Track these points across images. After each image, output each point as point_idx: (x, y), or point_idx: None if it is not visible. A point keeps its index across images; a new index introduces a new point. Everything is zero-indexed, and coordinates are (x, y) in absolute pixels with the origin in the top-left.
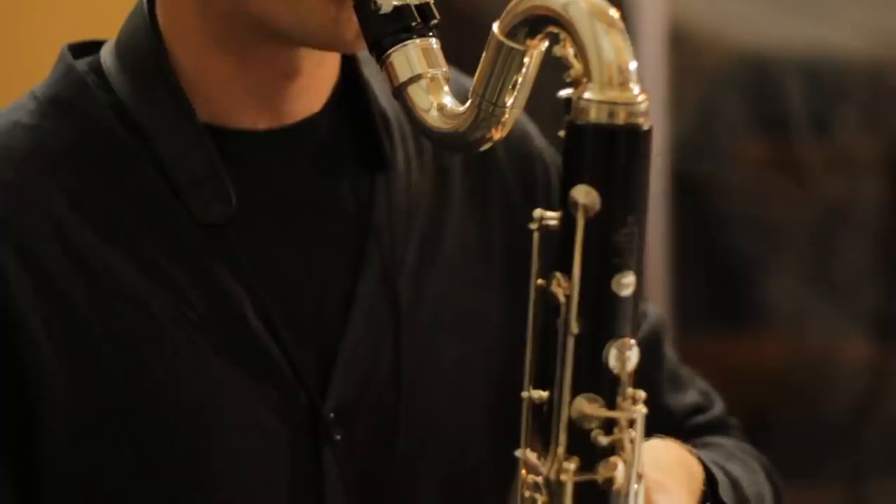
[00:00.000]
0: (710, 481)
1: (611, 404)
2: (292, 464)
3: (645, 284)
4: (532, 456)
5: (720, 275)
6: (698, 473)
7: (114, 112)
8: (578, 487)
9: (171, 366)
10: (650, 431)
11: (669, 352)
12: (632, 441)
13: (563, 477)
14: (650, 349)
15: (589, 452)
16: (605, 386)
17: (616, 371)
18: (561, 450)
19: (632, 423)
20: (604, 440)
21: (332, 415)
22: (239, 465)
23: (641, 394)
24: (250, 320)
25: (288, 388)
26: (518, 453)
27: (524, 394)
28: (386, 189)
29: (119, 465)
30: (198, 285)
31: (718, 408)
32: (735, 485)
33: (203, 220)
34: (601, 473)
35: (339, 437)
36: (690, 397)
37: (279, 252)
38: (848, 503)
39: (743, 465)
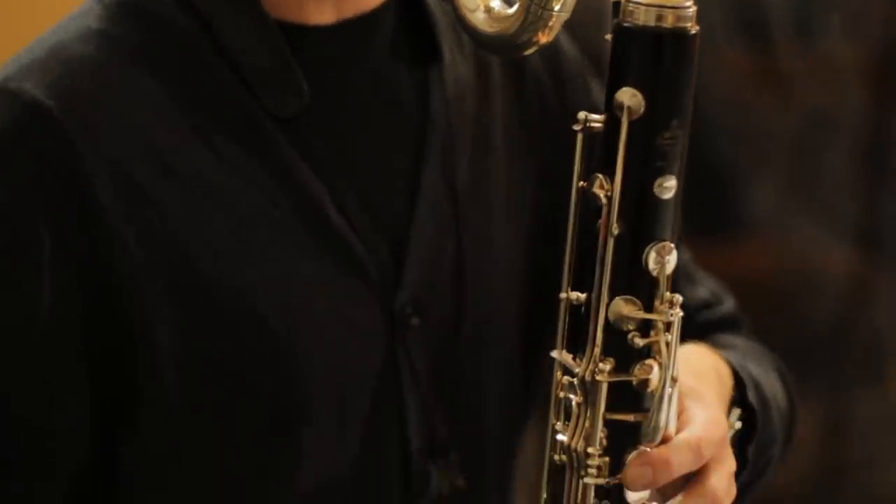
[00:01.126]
0: (738, 384)
1: (648, 307)
2: (376, 354)
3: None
4: (567, 357)
5: (702, 183)
6: (727, 378)
7: (181, 9)
8: (613, 388)
9: (261, 265)
10: None
11: (682, 247)
12: (668, 344)
13: (599, 377)
14: None
15: (625, 354)
16: (643, 288)
17: (655, 273)
18: (597, 350)
19: (668, 327)
20: (640, 342)
21: (408, 304)
22: (330, 359)
23: (679, 297)
24: (332, 215)
25: (370, 280)
26: (554, 354)
27: (562, 295)
28: (439, 81)
29: (216, 369)
30: (280, 182)
31: (729, 304)
32: (757, 386)
33: (278, 113)
34: (636, 375)
35: (415, 324)
36: (702, 292)
37: (350, 145)
38: (830, 412)
39: (759, 365)
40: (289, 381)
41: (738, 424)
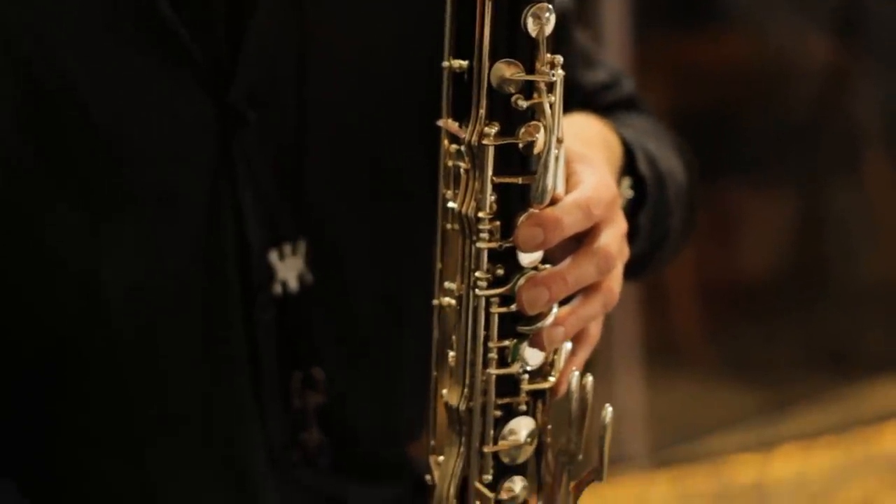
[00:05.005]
0: (629, 155)
1: (530, 69)
2: (208, 149)
3: None
4: (453, 125)
5: None
6: (617, 147)
7: None
8: (500, 152)
9: (85, 55)
10: (565, 109)
11: (578, 33)
12: (551, 105)
13: (485, 141)
14: (558, 27)
15: (509, 117)
16: (524, 50)
17: (534, 35)
18: (482, 114)
19: (551, 88)
20: (523, 104)
21: (243, 98)
22: (156, 151)
23: (559, 58)
24: (161, 7)
25: (200, 73)
26: (440, 123)
27: (444, 63)
28: None
29: (39, 152)
30: None
31: (629, 86)
32: (651, 160)
33: None
34: (522, 137)
35: (252, 118)
36: (601, 75)
37: None
38: (805, 200)
39: (656, 140)
40: (112, 171)
41: (630, 193)
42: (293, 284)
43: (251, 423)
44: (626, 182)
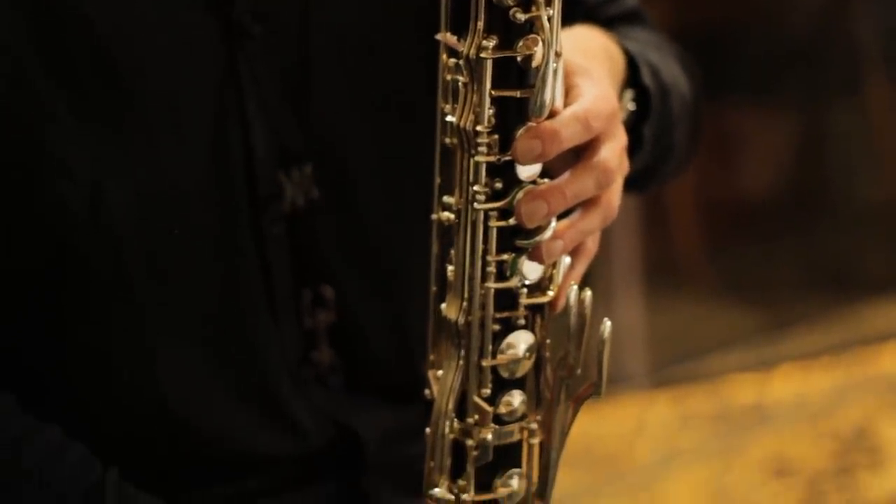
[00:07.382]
0: (632, 67)
1: None
2: (214, 63)
3: None
4: (452, 38)
5: None
6: (619, 59)
7: None
8: (498, 65)
9: None
10: (567, 23)
11: None
12: (550, 18)
13: (483, 54)
14: None
15: (508, 30)
16: None
17: None
18: (480, 27)
19: (549, 1)
20: (522, 17)
21: (247, 12)
22: (161, 66)
23: None
24: None
25: None
26: (439, 36)
27: None
28: None
29: (48, 72)
30: None
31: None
32: (655, 71)
33: None
34: (520, 51)
35: (256, 32)
36: None
37: None
38: (806, 120)
39: (659, 52)
40: (116, 82)
41: (632, 105)
42: (301, 202)
43: (267, 338)
44: (629, 94)
